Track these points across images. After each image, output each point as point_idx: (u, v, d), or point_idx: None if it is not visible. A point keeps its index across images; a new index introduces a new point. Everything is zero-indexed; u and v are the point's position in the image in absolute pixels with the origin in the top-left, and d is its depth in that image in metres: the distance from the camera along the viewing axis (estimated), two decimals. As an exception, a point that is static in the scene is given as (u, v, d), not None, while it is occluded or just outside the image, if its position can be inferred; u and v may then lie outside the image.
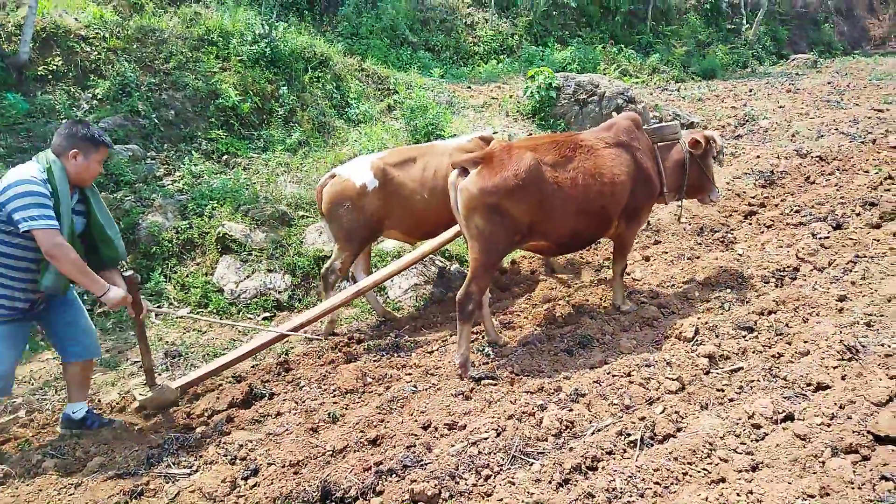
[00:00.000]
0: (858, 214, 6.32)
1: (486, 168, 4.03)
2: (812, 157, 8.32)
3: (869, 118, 10.34)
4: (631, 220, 4.73)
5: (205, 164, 7.46)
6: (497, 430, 3.30)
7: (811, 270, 5.15)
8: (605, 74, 16.05)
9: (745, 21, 20.85)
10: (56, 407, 4.32)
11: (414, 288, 5.47)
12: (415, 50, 15.23)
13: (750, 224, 6.44)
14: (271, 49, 8.86)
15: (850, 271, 5.00)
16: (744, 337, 4.24)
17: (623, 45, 17.96)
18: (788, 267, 5.25)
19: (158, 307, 5.81)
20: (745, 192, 7.28)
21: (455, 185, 4.11)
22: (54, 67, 7.88)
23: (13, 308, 3.53)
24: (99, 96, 7.80)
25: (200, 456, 3.51)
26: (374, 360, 4.46)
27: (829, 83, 14.48)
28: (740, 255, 5.72)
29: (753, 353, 4.02)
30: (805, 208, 6.61)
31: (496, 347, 4.49)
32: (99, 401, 4.24)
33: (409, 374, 4.20)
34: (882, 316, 4.24)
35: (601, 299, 5.12)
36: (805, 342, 4.02)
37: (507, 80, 13.65)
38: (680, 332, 4.30)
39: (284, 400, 3.92)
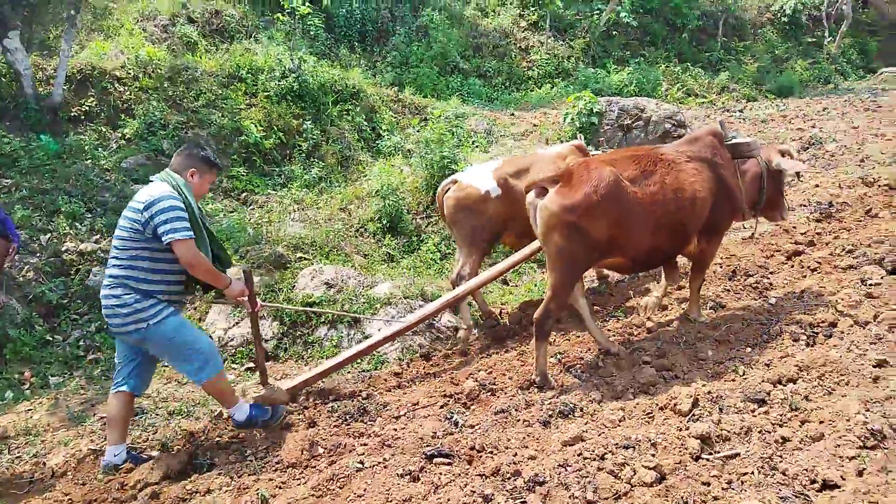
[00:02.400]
0: (926, 255, 5.45)
1: (566, 186, 4.03)
2: (879, 186, 7.36)
3: (957, 139, 9.18)
4: (711, 236, 4.68)
5: (222, 202, 7.40)
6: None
7: (851, 326, 4.40)
8: (666, 95, 15.28)
9: (827, 34, 19.37)
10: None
11: (401, 339, 5.08)
12: (466, 77, 15.00)
13: (792, 266, 5.68)
14: (299, 84, 8.81)
15: (898, 329, 4.22)
16: (752, 411, 3.59)
17: (690, 64, 17.05)
18: (824, 322, 4.51)
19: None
20: (794, 228, 6.49)
21: (533, 205, 4.11)
22: (87, 108, 8.10)
23: (180, 297, 3.95)
24: (127, 136, 7.93)
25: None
26: (335, 426, 4.10)
27: (918, 99, 13.12)
28: (773, 304, 5.00)
29: (759, 433, 3.38)
30: (860, 248, 5.77)
31: (609, 356, 4.41)
32: (43, 464, 4.07)
33: (364, 444, 3.80)
34: (925, 390, 3.50)
35: (598, 357, 4.55)
36: (822, 422, 3.35)
37: (557, 105, 13.14)
38: (675, 404, 3.70)
39: (220, 474, 3.61)
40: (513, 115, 12.07)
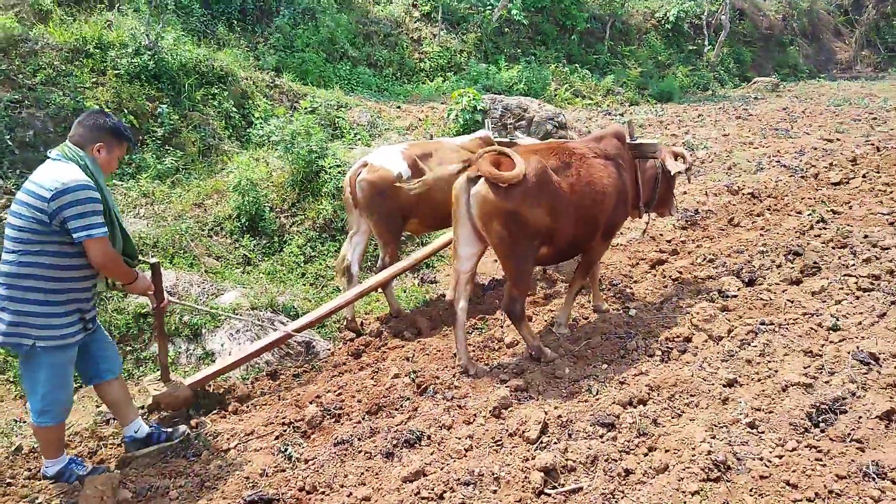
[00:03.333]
0: (779, 266, 5.58)
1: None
2: (743, 194, 7.61)
3: (816, 149, 9.70)
4: (606, 234, 4.74)
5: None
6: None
7: (705, 341, 4.37)
8: (555, 95, 15.43)
9: (707, 42, 20.34)
10: None
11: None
12: (355, 65, 14.45)
13: (655, 276, 5.67)
14: (155, 62, 7.99)
15: (749, 344, 4.23)
16: (600, 437, 3.43)
17: (578, 65, 17.33)
18: (679, 336, 4.46)
19: None
20: (661, 235, 6.53)
21: (463, 193, 4.03)
22: None
23: (87, 323, 3.41)
24: (-52, 114, 6.88)
25: None
26: (149, 463, 3.58)
27: (784, 109, 13.91)
28: (632, 317, 4.93)
29: (605, 462, 3.21)
30: (720, 257, 5.86)
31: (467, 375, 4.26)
32: None
33: (180, 486, 3.32)
34: (770, 412, 3.46)
35: (454, 376, 4.28)
36: (667, 450, 3.22)
37: (448, 100, 12.89)
38: (524, 430, 3.47)
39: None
40: (399, 107, 11.69)
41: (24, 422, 4.21)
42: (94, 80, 7.80)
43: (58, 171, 3.12)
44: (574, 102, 15.38)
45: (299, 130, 6.65)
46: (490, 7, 17.07)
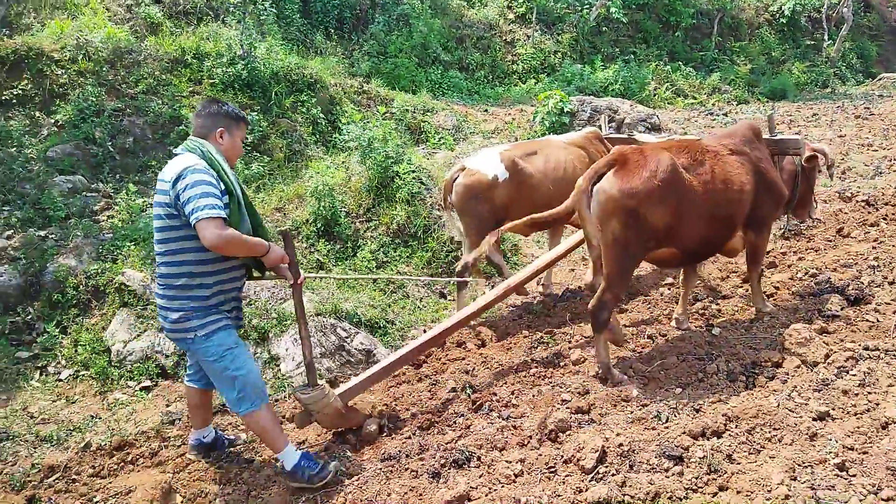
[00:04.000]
0: (892, 283, 4.97)
1: (623, 170, 3.86)
2: (857, 202, 6.86)
3: (948, 151, 8.65)
4: (760, 229, 4.61)
5: (152, 196, 6.90)
6: None
7: (797, 367, 3.91)
8: (654, 95, 14.73)
9: (826, 36, 18.76)
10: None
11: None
12: (447, 69, 14.46)
13: (747, 291, 5.18)
14: (248, 71, 8.28)
15: (848, 372, 3.74)
16: (665, 470, 3.11)
17: (682, 63, 16.46)
18: (768, 361, 4.02)
19: (57, 362, 5.26)
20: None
21: (586, 191, 3.90)
22: (20, 92, 7.58)
23: (238, 312, 3.55)
24: (59, 123, 7.43)
25: None
26: (216, 466, 3.61)
27: (912, 107, 12.55)
28: (716, 336, 4.51)
29: (668, 500, 2.91)
30: (824, 272, 5.28)
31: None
32: None
33: (227, 493, 3.33)
34: (865, 453, 3.03)
35: (513, 393, 4.06)
36: (739, 492, 2.87)
37: (536, 102, 12.62)
38: (580, 458, 3.22)
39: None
40: (486, 111, 11.54)
41: (100, 418, 4.41)
42: (191, 88, 8.19)
43: (176, 162, 3.23)
44: (675, 102, 14.62)
45: (377, 135, 6.64)
46: (588, 6, 16.57)
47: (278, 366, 4.66)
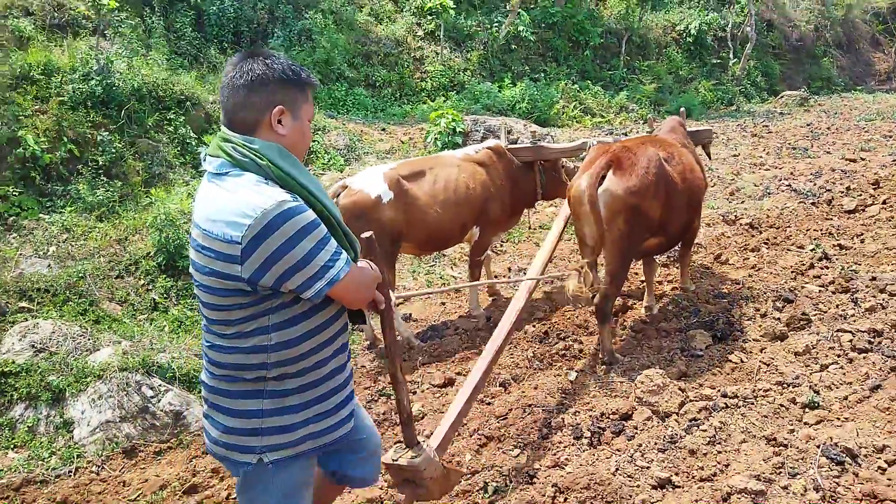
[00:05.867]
0: (763, 316, 4.72)
1: (621, 169, 4.06)
2: (740, 225, 6.69)
3: (835, 170, 8.67)
4: (700, 212, 4.99)
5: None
6: None
7: (647, 419, 3.53)
8: (563, 114, 14.64)
9: (731, 55, 19.25)
10: None
11: (104, 426, 3.90)
12: (352, 86, 13.96)
13: (613, 326, 4.81)
14: (104, 87, 7.53)
15: (699, 426, 3.38)
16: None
17: (591, 82, 16.50)
18: (617, 412, 3.62)
19: None
20: (632, 275, 5.66)
21: (588, 193, 4.01)
22: None
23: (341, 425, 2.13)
24: None
25: None
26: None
27: (808, 125, 12.81)
28: (571, 381, 4.10)
29: None
30: (695, 304, 4.99)
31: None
32: None
33: None
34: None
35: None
36: None
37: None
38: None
39: None
40: (384, 129, 11.08)
41: None
42: (36, 107, 7.38)
43: (224, 206, 1.86)
44: (583, 121, 14.55)
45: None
46: (498, 24, 16.43)
47: (71, 432, 3.96)
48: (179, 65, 11.36)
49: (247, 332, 1.89)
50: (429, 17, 16.17)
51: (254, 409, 1.95)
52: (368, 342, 5.04)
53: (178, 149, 8.03)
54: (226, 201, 1.81)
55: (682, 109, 5.40)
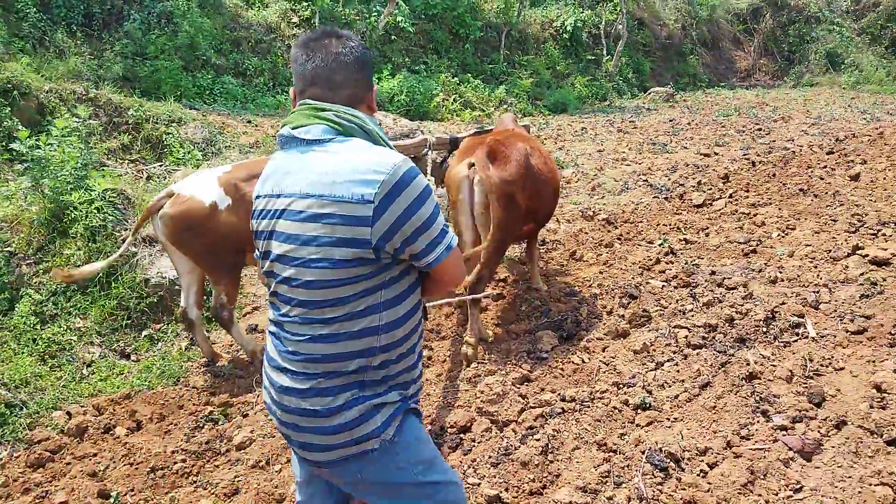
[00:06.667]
0: (609, 313, 4.75)
1: (496, 160, 4.30)
2: (598, 220, 6.81)
3: (688, 165, 9.09)
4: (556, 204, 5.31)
5: None
6: None
7: (486, 430, 3.42)
8: (443, 107, 14.58)
9: (605, 52, 19.96)
10: None
11: None
12: (219, 74, 13.20)
13: (460, 334, 4.70)
14: None
15: (534, 435, 3.30)
16: None
17: (472, 76, 16.56)
18: (456, 425, 3.49)
19: None
20: (497, 274, 5.59)
21: (468, 178, 4.31)
22: None
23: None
24: None
25: None
26: None
27: (670, 120, 13.43)
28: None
29: None
30: (547, 303, 4.97)
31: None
32: None
33: None
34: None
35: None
36: None
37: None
38: None
39: None
40: (249, 122, 10.51)
41: None
42: None
43: (348, 158, 1.82)
44: (463, 115, 14.54)
45: (52, 156, 5.41)
46: (377, 14, 16.09)
47: None
48: (20, 49, 10.29)
49: (359, 312, 1.77)
50: (304, 4, 15.60)
51: (355, 398, 1.80)
52: (207, 360, 4.65)
53: (3, 144, 7.19)
54: (345, 162, 1.72)
55: (509, 109, 5.78)
